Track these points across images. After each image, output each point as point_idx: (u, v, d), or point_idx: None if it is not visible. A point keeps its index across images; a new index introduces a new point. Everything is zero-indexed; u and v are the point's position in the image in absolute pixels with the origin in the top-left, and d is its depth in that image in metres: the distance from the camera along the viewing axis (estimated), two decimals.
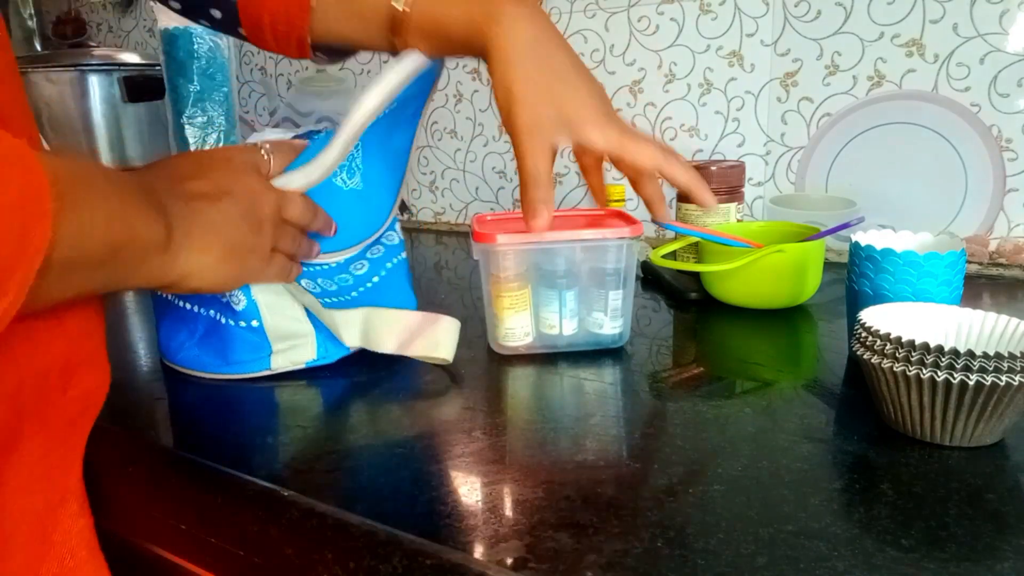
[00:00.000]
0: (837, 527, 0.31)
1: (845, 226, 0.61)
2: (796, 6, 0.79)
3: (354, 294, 0.54)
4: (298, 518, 0.35)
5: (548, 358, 0.52)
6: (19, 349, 0.33)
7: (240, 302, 0.48)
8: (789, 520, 0.31)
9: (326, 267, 0.53)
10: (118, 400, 0.48)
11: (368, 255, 0.55)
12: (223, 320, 0.49)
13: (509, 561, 0.29)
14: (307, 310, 0.50)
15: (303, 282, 0.51)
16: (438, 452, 0.39)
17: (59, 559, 0.37)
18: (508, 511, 0.33)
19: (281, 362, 0.50)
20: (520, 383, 0.48)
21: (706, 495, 0.34)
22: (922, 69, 0.75)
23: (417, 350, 0.50)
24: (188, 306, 0.51)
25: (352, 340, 0.50)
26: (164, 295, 0.53)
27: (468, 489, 0.35)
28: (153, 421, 0.45)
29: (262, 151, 0.47)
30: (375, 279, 0.55)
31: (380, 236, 0.56)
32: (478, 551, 0.30)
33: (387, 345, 0.50)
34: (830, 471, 0.35)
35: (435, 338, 0.50)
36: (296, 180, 0.46)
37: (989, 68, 0.72)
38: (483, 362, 0.52)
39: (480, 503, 0.34)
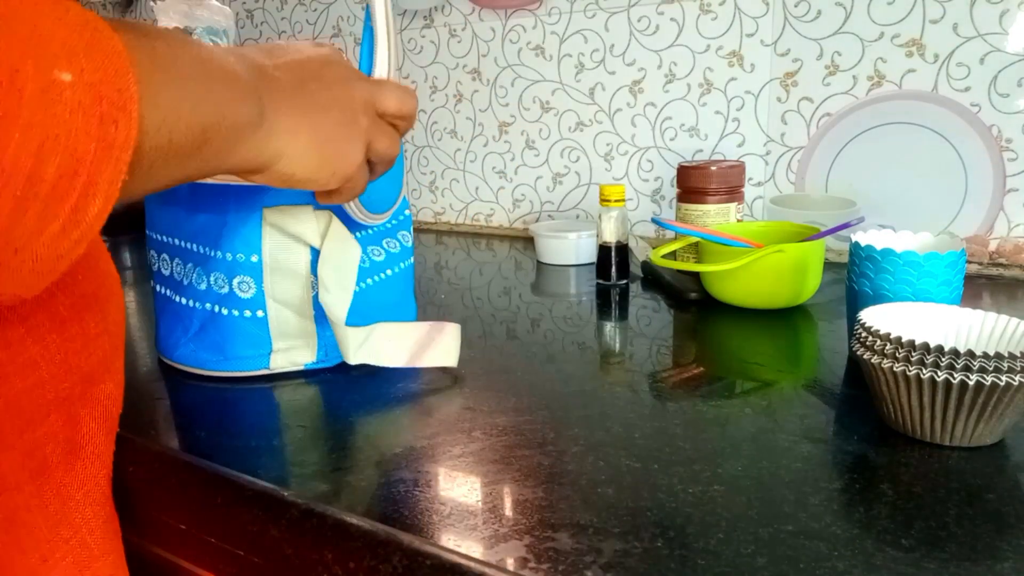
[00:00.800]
0: (837, 527, 0.31)
1: (845, 226, 0.61)
2: (796, 6, 0.79)
3: (369, 281, 0.53)
4: (298, 518, 0.35)
5: (545, 357, 0.52)
6: (73, 352, 0.33)
7: (249, 289, 0.48)
8: (789, 520, 0.31)
9: (366, 232, 0.52)
10: None
11: (385, 245, 0.55)
12: (224, 311, 0.49)
13: (509, 561, 0.29)
14: (316, 310, 0.49)
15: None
16: (438, 452, 0.39)
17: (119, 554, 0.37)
18: (508, 511, 0.33)
19: (280, 362, 0.50)
20: (520, 383, 0.48)
21: (706, 495, 0.34)
22: (922, 69, 0.75)
23: (428, 361, 0.50)
24: (184, 301, 0.51)
25: (358, 358, 0.48)
26: (163, 291, 0.53)
27: (468, 489, 0.35)
28: (153, 421, 0.45)
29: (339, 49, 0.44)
30: (388, 272, 0.55)
31: (398, 218, 0.55)
32: (478, 551, 0.30)
33: (398, 359, 0.49)
34: (830, 471, 0.35)
35: (445, 346, 0.50)
36: (380, 68, 0.44)
37: (989, 68, 0.72)
38: (483, 362, 0.52)
39: (480, 503, 0.34)
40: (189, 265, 0.50)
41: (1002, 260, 0.75)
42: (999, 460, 0.36)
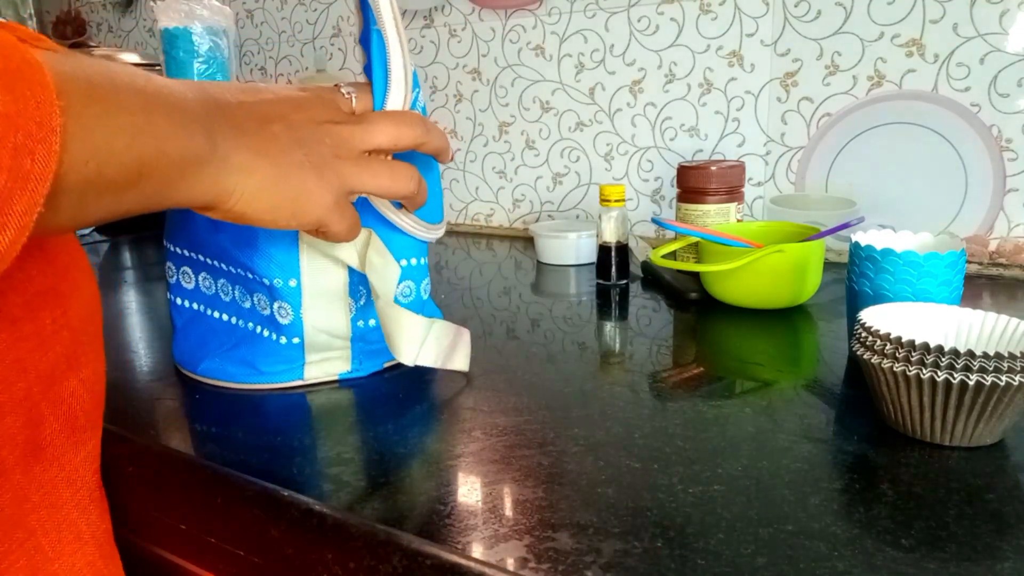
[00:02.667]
0: (837, 527, 0.31)
1: (845, 226, 0.61)
2: (796, 6, 0.79)
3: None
4: (298, 518, 0.35)
5: (545, 357, 0.52)
6: (27, 351, 0.32)
7: (287, 316, 0.47)
8: (789, 520, 0.31)
9: (408, 264, 0.50)
10: (117, 400, 0.48)
11: (421, 284, 0.52)
12: (264, 332, 0.48)
13: (509, 561, 0.29)
14: (354, 332, 0.49)
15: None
16: (438, 452, 0.39)
17: (90, 561, 0.37)
18: (508, 511, 0.33)
19: (315, 372, 0.49)
20: (520, 383, 0.48)
21: (706, 495, 0.34)
22: (922, 69, 0.75)
23: (453, 364, 0.49)
24: (224, 317, 0.50)
25: (419, 359, 0.46)
26: (185, 303, 0.51)
27: (468, 489, 0.35)
28: (152, 421, 0.45)
29: (343, 91, 0.42)
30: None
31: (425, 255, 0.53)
32: (478, 551, 0.30)
33: (437, 360, 0.48)
34: (830, 471, 0.35)
35: (464, 351, 0.49)
36: (394, 99, 0.42)
37: (989, 68, 0.72)
38: (482, 362, 0.52)
39: (480, 503, 0.34)
40: (222, 281, 0.49)
41: (1002, 260, 0.75)
42: (999, 460, 0.36)
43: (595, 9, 0.92)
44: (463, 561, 0.30)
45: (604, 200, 0.72)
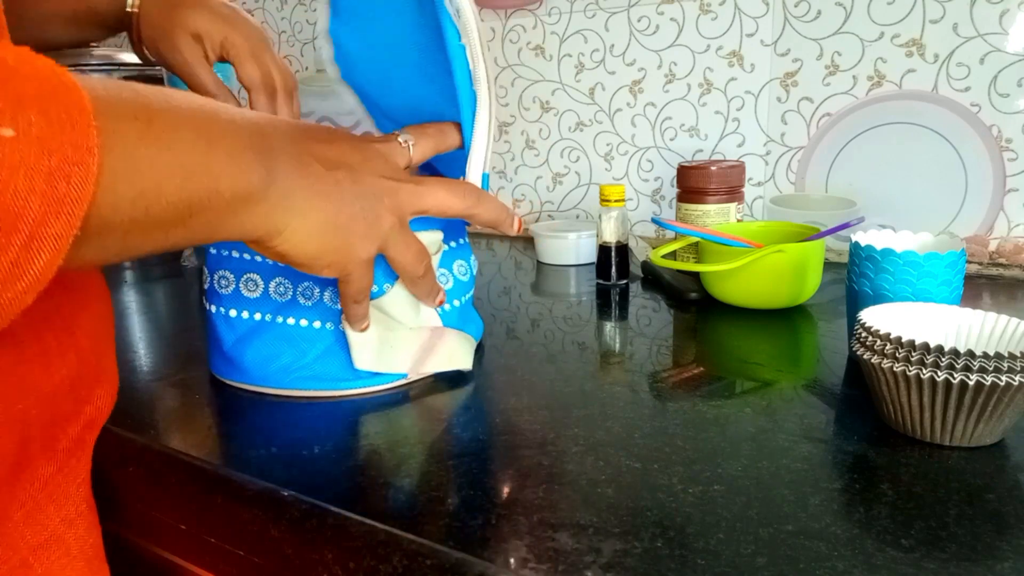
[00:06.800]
0: (837, 527, 0.31)
1: (845, 226, 0.61)
2: (796, 6, 0.79)
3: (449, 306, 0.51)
4: (298, 518, 0.35)
5: (545, 357, 0.52)
6: (30, 372, 0.32)
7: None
8: (789, 520, 0.31)
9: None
10: (118, 400, 0.48)
11: (455, 271, 0.52)
12: None
13: (509, 561, 0.29)
14: (443, 318, 0.49)
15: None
16: (438, 452, 0.39)
17: (77, 572, 0.36)
18: (508, 511, 0.33)
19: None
20: (520, 383, 0.48)
21: (706, 495, 0.34)
22: (922, 69, 0.75)
23: (433, 367, 0.48)
24: (304, 322, 0.47)
25: (365, 364, 0.46)
26: (243, 315, 0.48)
27: (468, 489, 0.35)
28: (153, 421, 0.45)
29: (400, 140, 0.42)
30: (456, 302, 0.51)
31: (462, 248, 0.53)
32: (478, 551, 0.30)
33: (403, 366, 0.47)
34: (830, 471, 0.35)
35: (448, 351, 0.49)
36: (475, 168, 0.43)
37: (989, 68, 0.72)
38: (483, 362, 0.52)
39: (480, 503, 0.34)
40: (305, 284, 0.47)
41: (1002, 260, 0.75)
42: (999, 460, 0.36)
43: (595, 9, 0.92)
44: (463, 561, 0.30)
45: (604, 200, 0.72)
